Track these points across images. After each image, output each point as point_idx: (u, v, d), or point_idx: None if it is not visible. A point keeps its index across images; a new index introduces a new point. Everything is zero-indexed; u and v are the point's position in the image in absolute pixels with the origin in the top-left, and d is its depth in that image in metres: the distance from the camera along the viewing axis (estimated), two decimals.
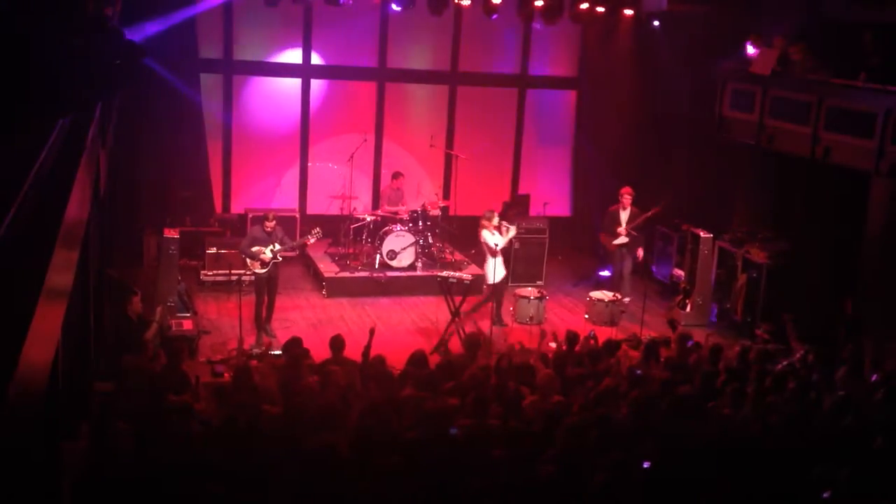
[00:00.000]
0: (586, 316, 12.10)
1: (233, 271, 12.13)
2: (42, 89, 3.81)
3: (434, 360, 9.13)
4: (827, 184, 11.74)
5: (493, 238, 11.65)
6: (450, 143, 15.32)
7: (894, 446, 6.82)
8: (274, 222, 10.89)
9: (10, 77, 3.55)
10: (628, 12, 14.21)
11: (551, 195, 15.68)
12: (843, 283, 11.32)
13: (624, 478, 6.06)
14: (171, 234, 11.20)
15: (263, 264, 10.79)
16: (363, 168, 14.82)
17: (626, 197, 12.73)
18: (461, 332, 10.76)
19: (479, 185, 15.33)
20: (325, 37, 14.55)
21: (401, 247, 13.09)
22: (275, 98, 14.61)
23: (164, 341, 9.54)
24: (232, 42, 14.11)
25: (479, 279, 12.76)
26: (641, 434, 6.88)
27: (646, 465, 6.31)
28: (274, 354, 9.85)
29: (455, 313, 11.14)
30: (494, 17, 13.93)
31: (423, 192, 14.55)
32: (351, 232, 13.52)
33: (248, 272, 11.09)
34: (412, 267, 13.19)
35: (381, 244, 13.08)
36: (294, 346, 8.61)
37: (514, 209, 14.71)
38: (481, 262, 13.76)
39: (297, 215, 14.33)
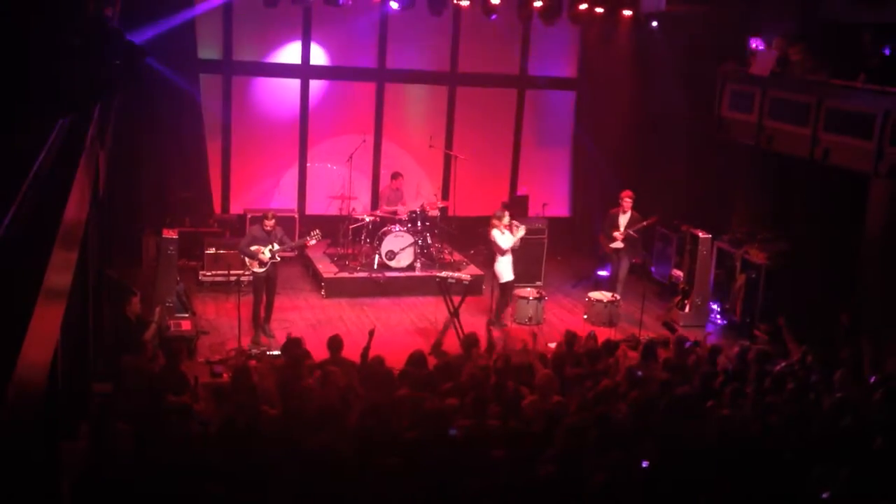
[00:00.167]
0: (585, 316, 12.10)
1: (231, 272, 12.13)
2: (41, 89, 3.81)
3: (433, 360, 9.13)
4: (826, 185, 11.75)
5: (504, 238, 11.69)
6: (449, 143, 15.32)
7: (893, 447, 6.82)
8: (273, 221, 10.88)
9: (10, 77, 3.55)
10: (627, 13, 14.21)
11: (550, 196, 15.69)
12: (841, 284, 11.32)
13: (623, 478, 6.06)
14: (170, 234, 11.19)
15: (262, 264, 10.78)
16: (362, 168, 14.82)
17: (627, 201, 12.72)
18: (460, 332, 10.77)
19: (478, 185, 15.33)
20: (325, 37, 14.55)
21: (400, 247, 13.10)
22: (274, 98, 14.60)
23: (163, 342, 9.53)
24: (231, 42, 14.11)
25: (478, 279, 12.78)
26: (641, 434, 6.88)
27: (645, 464, 6.31)
28: (273, 355, 9.85)
29: (454, 313, 11.15)
30: (494, 17, 13.93)
31: (422, 193, 14.55)
32: (350, 232, 13.52)
33: (246, 272, 11.08)
34: (411, 267, 13.20)
35: (379, 244, 13.08)
36: (293, 347, 8.61)
37: (513, 210, 14.68)
38: (479, 263, 13.83)
39: (296, 216, 14.32)
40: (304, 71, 14.55)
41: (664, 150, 14.62)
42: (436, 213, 13.95)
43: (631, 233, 12.70)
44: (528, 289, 12.43)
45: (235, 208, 14.53)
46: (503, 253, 11.73)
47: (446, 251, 14.00)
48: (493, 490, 5.83)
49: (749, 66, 12.77)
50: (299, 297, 12.73)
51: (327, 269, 13.13)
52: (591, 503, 5.93)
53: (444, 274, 11.87)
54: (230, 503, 5.63)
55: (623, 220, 12.73)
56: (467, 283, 11.69)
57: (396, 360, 8.69)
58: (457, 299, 11.28)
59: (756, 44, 12.72)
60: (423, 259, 13.37)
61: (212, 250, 12.76)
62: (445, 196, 14.86)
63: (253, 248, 10.79)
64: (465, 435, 6.73)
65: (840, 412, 7.50)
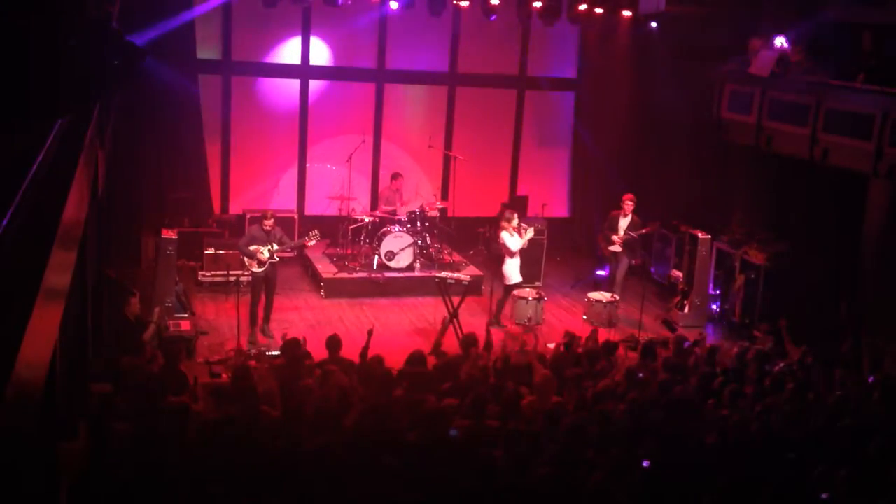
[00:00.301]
0: (585, 317, 12.09)
1: (231, 272, 12.12)
2: (41, 89, 3.80)
3: (432, 360, 9.13)
4: (825, 185, 11.75)
5: (513, 240, 11.72)
6: (448, 144, 15.32)
7: (892, 447, 6.82)
8: (272, 221, 10.88)
9: (9, 77, 3.55)
10: (627, 13, 14.22)
11: (550, 196, 15.68)
12: (841, 284, 11.33)
13: (623, 478, 6.06)
14: (170, 234, 11.18)
15: (261, 263, 10.78)
16: (361, 169, 14.81)
17: (628, 203, 12.69)
18: (459, 332, 10.76)
19: (477, 186, 15.33)
20: (324, 38, 14.55)
21: (399, 248, 13.09)
22: (273, 99, 14.60)
23: (162, 342, 9.53)
24: (230, 43, 14.10)
25: (478, 280, 12.78)
26: (640, 434, 6.88)
27: (645, 464, 6.31)
28: (272, 355, 9.84)
29: (453, 314, 11.14)
30: (493, 18, 13.93)
31: (421, 193, 14.54)
32: (349, 233, 13.52)
33: (246, 273, 11.08)
34: (410, 268, 13.19)
35: (379, 245, 13.07)
36: (293, 347, 8.60)
37: (511, 210, 14.69)
38: (478, 263, 13.83)
39: (296, 216, 14.32)
40: (303, 71, 14.54)
41: (663, 151, 14.62)
42: (435, 213, 13.95)
43: (630, 233, 12.70)
44: (528, 289, 12.42)
45: (235, 208, 14.52)
46: (512, 255, 11.78)
47: (445, 252, 13.99)
48: (493, 490, 5.83)
49: (748, 66, 12.77)
50: (299, 297, 12.73)
51: (326, 269, 13.12)
52: (590, 503, 5.93)
53: (443, 274, 11.87)
54: (229, 503, 5.62)
55: (623, 222, 12.72)
56: (466, 283, 11.69)
57: (396, 361, 8.70)
58: (456, 300, 11.28)
59: (755, 44, 12.72)
60: (422, 259, 13.37)
61: (211, 250, 12.75)
62: (445, 196, 14.86)
63: (252, 247, 10.79)
64: (464, 435, 6.73)
65: (839, 412, 7.50)
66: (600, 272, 13.84)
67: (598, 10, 13.99)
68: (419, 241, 13.30)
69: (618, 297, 12.17)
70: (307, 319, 11.88)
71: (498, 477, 6.04)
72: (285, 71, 14.49)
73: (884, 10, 11.42)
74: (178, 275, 11.46)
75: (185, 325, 10.54)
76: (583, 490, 5.97)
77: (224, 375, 9.40)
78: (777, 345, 10.27)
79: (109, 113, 8.63)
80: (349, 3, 13.25)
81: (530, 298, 11.87)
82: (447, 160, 15.03)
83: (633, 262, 13.15)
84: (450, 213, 14.54)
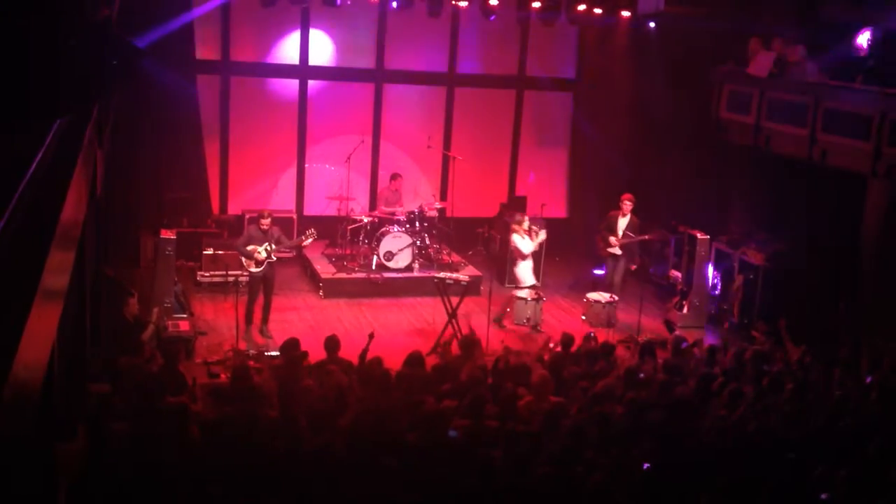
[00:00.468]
0: (583, 317, 12.09)
1: (229, 272, 12.11)
2: (39, 89, 3.80)
3: (431, 361, 9.13)
4: (824, 186, 11.74)
5: (524, 242, 11.74)
6: (447, 144, 15.32)
7: (891, 447, 6.82)
8: (269, 220, 10.86)
9: (9, 77, 3.55)
10: (626, 13, 14.22)
11: (548, 196, 15.68)
12: (839, 284, 11.33)
13: (623, 478, 6.06)
14: (168, 234, 11.18)
15: (258, 263, 10.77)
16: (360, 169, 14.81)
17: (627, 204, 12.63)
18: (458, 332, 10.75)
19: (476, 186, 15.33)
20: (323, 38, 14.55)
21: (398, 248, 13.09)
22: (272, 99, 14.59)
23: (161, 342, 9.53)
24: (229, 43, 14.09)
25: (476, 280, 12.77)
26: (639, 435, 6.87)
27: (645, 466, 6.31)
28: (271, 355, 9.83)
29: (452, 314, 11.14)
30: (492, 18, 13.93)
31: (420, 194, 14.54)
32: (348, 233, 13.51)
33: (244, 273, 11.07)
34: (409, 268, 13.19)
35: (378, 245, 13.07)
36: (292, 348, 8.60)
37: (510, 211, 14.71)
38: (477, 264, 13.83)
39: (294, 216, 14.32)
40: (302, 71, 14.54)
41: (662, 152, 14.60)
42: (434, 213, 13.94)
43: (629, 234, 12.68)
44: (527, 289, 12.42)
45: (233, 209, 14.51)
46: (524, 258, 11.81)
47: (444, 252, 13.99)
48: (492, 490, 5.83)
49: (747, 66, 12.77)
50: (297, 297, 12.72)
51: (325, 269, 13.12)
52: (589, 503, 5.92)
53: (442, 275, 11.86)
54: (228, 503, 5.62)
55: (622, 223, 12.69)
56: (465, 283, 11.69)
57: (394, 361, 8.68)
58: (455, 300, 11.28)
59: (754, 45, 12.72)
60: (421, 260, 13.36)
61: (210, 251, 12.75)
62: (444, 197, 14.86)
63: (249, 247, 10.78)
64: (463, 435, 6.73)
65: (839, 412, 7.50)
66: (598, 271, 13.83)
67: (597, 11, 13.99)
68: (418, 242, 13.30)
69: (617, 298, 12.18)
70: (306, 320, 11.87)
71: (497, 477, 6.04)
72: (284, 71, 14.49)
73: (883, 10, 11.42)
74: (177, 275, 11.45)
75: (184, 326, 10.53)
76: (582, 490, 5.97)
77: (223, 376, 9.39)
78: (776, 345, 10.28)
79: (108, 113, 8.62)
80: (348, 3, 13.25)
81: (529, 299, 11.88)
82: (446, 160, 15.03)
83: (632, 266, 13.14)
84: (448, 214, 14.53)
